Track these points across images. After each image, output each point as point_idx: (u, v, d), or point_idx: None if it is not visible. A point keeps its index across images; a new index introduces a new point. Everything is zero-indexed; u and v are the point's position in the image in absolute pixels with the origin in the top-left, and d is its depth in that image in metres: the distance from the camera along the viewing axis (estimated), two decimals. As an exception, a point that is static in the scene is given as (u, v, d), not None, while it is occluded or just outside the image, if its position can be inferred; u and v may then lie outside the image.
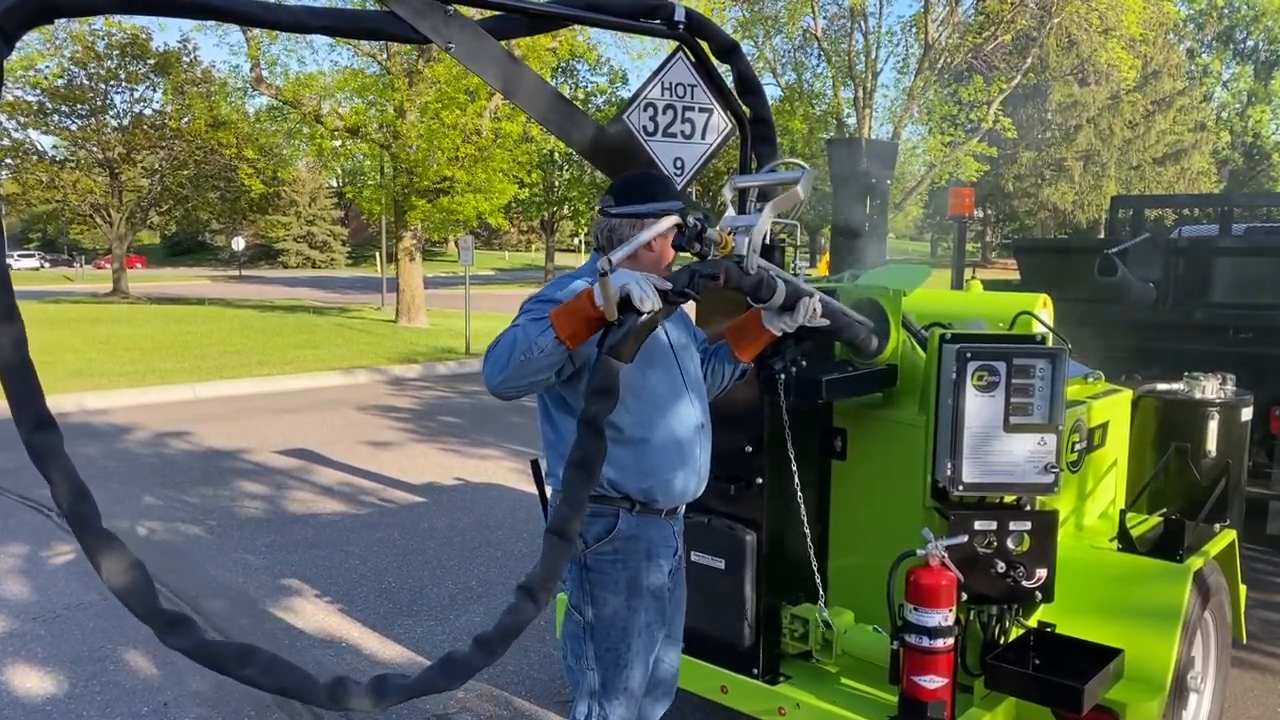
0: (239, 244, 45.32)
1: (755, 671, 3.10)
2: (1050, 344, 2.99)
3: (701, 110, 3.05)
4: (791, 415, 3.05)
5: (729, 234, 2.28)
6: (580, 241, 62.84)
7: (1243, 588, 3.86)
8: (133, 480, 7.34)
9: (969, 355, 2.86)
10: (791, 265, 3.42)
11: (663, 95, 2.98)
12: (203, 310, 24.18)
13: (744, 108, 3.13)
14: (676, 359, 2.51)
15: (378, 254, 31.45)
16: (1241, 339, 5.68)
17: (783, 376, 2.94)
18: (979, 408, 2.88)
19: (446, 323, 21.19)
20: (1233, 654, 4.35)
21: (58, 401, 10.30)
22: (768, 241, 3.23)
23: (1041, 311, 3.79)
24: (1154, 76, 32.40)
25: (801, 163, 3.33)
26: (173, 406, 10.86)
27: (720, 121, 3.11)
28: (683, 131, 3.04)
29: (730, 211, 2.50)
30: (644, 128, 2.98)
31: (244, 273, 51.03)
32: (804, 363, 3.02)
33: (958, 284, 6.02)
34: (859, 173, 4.15)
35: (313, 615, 4.74)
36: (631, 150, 3.14)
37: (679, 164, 3.07)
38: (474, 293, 18.23)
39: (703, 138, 3.08)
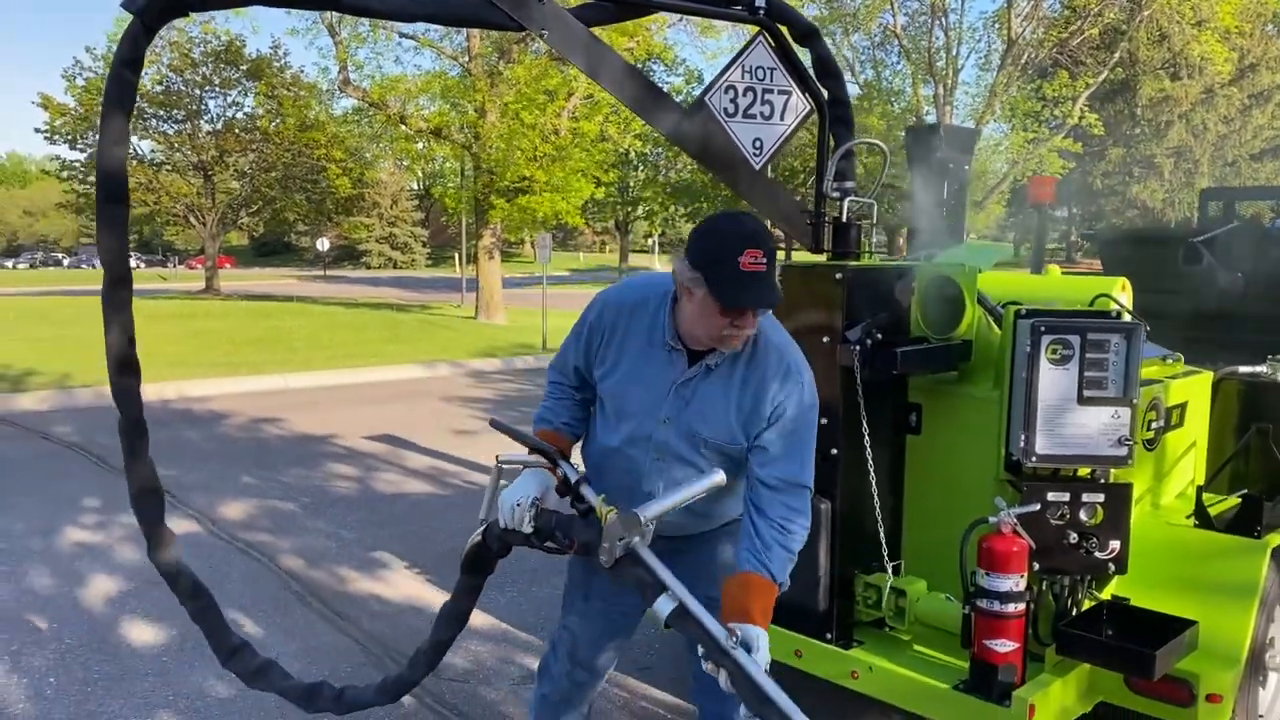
0: (323, 245, 46.69)
1: (829, 636, 3.20)
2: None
3: (780, 93, 3.16)
4: (867, 389, 3.15)
5: (609, 509, 2.18)
6: (654, 243, 63.09)
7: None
8: (230, 462, 7.72)
9: (1043, 329, 2.92)
10: (868, 245, 3.52)
11: (743, 78, 3.11)
12: (291, 307, 25.01)
13: (822, 90, 3.24)
14: (671, 393, 2.32)
15: (457, 254, 32.16)
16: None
17: (858, 348, 3.04)
18: (1053, 381, 2.94)
19: (524, 320, 21.57)
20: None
21: (159, 389, 10.86)
22: (844, 220, 3.34)
23: (1120, 294, 3.81)
24: (1251, 70, 31.26)
25: (879, 142, 3.44)
26: (265, 395, 11.33)
27: (799, 103, 3.22)
28: (762, 113, 3.15)
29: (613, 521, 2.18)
30: (725, 109, 3.11)
31: (328, 273, 52.50)
32: (880, 335, 3.12)
33: (1038, 271, 5.99)
34: (937, 159, 4.20)
35: (402, 585, 4.98)
36: (710, 135, 3.27)
37: (758, 144, 3.19)
38: (550, 292, 18.53)
39: (781, 119, 3.19)
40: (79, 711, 3.55)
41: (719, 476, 2.20)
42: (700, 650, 2.12)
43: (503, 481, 2.42)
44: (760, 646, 2.09)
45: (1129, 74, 29.31)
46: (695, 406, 2.31)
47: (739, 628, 2.08)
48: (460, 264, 29.89)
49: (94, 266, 60.86)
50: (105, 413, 9.94)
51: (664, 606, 2.11)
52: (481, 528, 2.45)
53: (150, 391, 10.63)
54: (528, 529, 2.26)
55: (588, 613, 2.64)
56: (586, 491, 2.24)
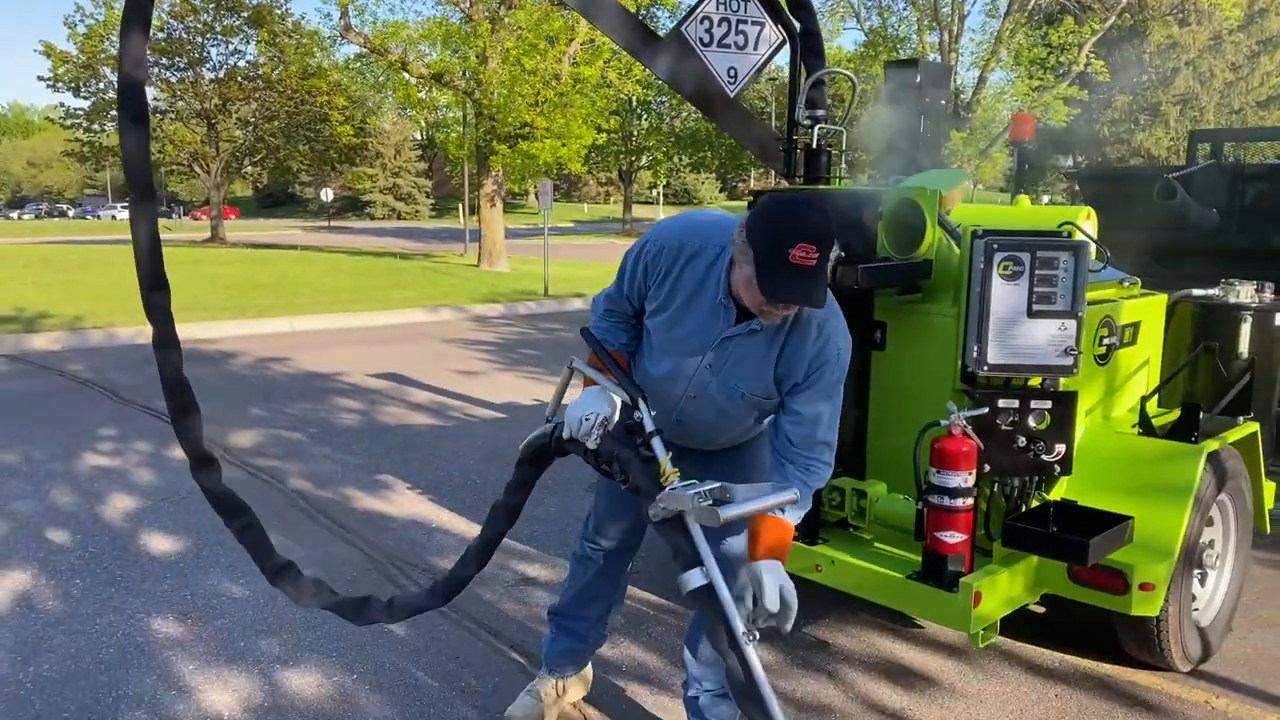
0: (327, 195, 46.64)
1: (796, 535, 3.45)
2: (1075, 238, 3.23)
3: (754, 23, 3.34)
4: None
5: (673, 469, 2.29)
6: (658, 193, 62.84)
7: (1270, 484, 4.05)
8: (239, 396, 7.99)
9: (996, 246, 3.13)
10: (837, 171, 3.71)
11: (718, 10, 3.28)
12: (296, 255, 25.18)
13: (794, 22, 3.41)
14: (716, 343, 2.43)
15: (461, 205, 32.17)
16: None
17: (823, 265, 3.25)
18: (1004, 295, 3.15)
19: (526, 268, 21.74)
20: (1278, 559, 4.56)
21: (169, 330, 11.10)
22: (814, 146, 3.54)
23: (1084, 223, 4.00)
24: (1260, 15, 30.90)
25: (847, 72, 3.61)
26: (272, 337, 11.58)
27: (772, 34, 3.40)
28: (736, 43, 3.33)
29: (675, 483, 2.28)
30: (700, 39, 3.29)
31: (332, 223, 52.52)
32: (845, 254, 3.32)
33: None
34: (912, 91, 4.37)
35: (405, 504, 5.25)
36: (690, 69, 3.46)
37: (732, 73, 3.37)
38: (553, 242, 18.69)
39: (755, 49, 3.37)
40: (104, 608, 3.83)
41: (793, 494, 2.30)
42: (706, 628, 2.26)
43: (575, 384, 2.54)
44: (768, 582, 2.23)
45: (1136, 20, 29.01)
46: (735, 362, 2.43)
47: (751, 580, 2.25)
48: (464, 215, 29.97)
49: (99, 217, 60.97)
50: (116, 352, 10.23)
51: (693, 580, 2.19)
52: (547, 425, 2.55)
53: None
54: (592, 445, 2.37)
55: (612, 489, 2.81)
56: (657, 445, 2.33)
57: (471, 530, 4.80)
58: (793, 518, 2.40)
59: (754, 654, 2.16)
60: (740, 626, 2.19)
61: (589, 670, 3.19)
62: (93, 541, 4.57)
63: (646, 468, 2.32)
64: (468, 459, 6.15)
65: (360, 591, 3.94)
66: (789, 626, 2.23)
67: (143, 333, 10.97)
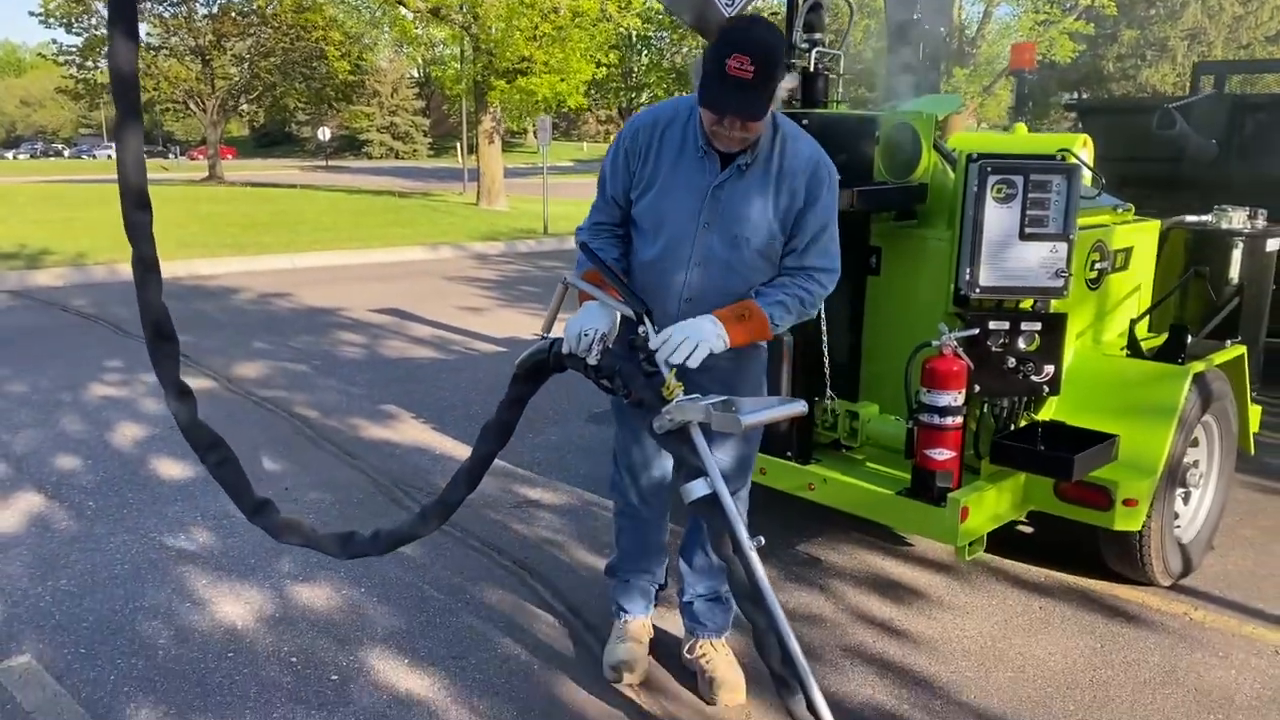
0: (324, 134, 46.15)
1: (790, 454, 3.54)
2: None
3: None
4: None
5: (678, 384, 2.32)
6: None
7: (1256, 407, 4.14)
8: (243, 330, 8.05)
9: (990, 169, 3.16)
10: (835, 95, 3.72)
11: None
12: (294, 193, 25.06)
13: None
14: (709, 196, 2.46)
15: (459, 144, 31.88)
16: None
17: (818, 188, 3.29)
18: (997, 218, 3.19)
19: (525, 206, 21.64)
20: (1262, 483, 4.67)
21: (170, 268, 11.04)
22: (812, 70, 3.55)
23: (1081, 150, 4.02)
24: (1273, -53, 30.33)
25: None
26: (273, 274, 11.60)
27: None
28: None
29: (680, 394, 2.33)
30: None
31: (330, 163, 52.04)
32: (841, 177, 3.36)
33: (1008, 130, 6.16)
34: (912, 19, 4.35)
35: (408, 431, 5.35)
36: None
37: (730, -3, 3.37)
38: (552, 181, 18.59)
39: (753, -29, 3.36)
40: (116, 528, 3.95)
41: (801, 406, 2.34)
42: (710, 537, 2.32)
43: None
44: (695, 330, 2.32)
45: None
46: (733, 208, 2.44)
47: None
48: (462, 154, 29.72)
49: (94, 156, 60.37)
50: (119, 288, 10.27)
51: (697, 489, 2.26)
52: (544, 341, 2.56)
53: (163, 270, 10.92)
54: (592, 360, 2.41)
55: (630, 440, 2.84)
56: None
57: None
58: (780, 317, 2.46)
59: (757, 560, 2.26)
60: (744, 534, 2.29)
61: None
62: (102, 466, 4.67)
63: (650, 382, 2.36)
64: (470, 390, 6.24)
65: (369, 514, 4.06)
66: (673, 360, 2.31)
67: (144, 269, 11.01)
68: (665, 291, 2.54)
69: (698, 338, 2.33)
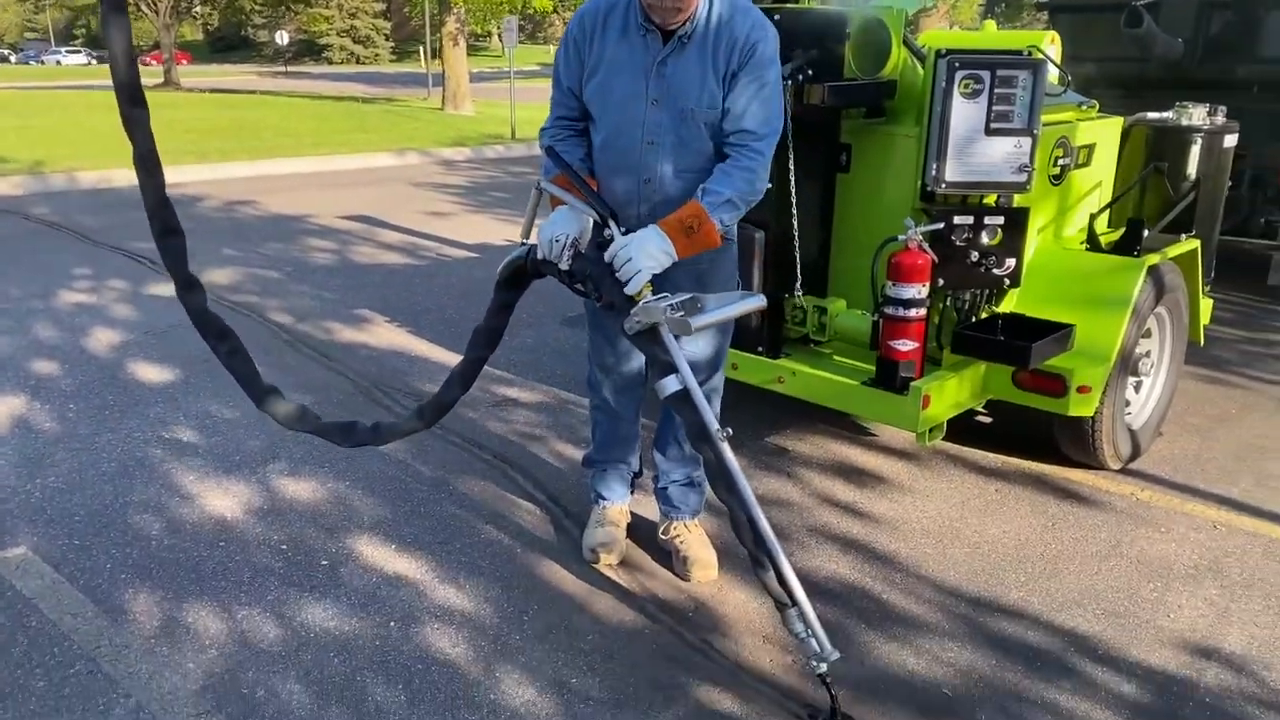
0: (283, 38, 44.65)
1: (760, 349, 3.65)
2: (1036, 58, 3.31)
3: None
4: (801, 127, 3.46)
5: (647, 284, 2.43)
6: (628, 34, 60.52)
7: (1208, 300, 4.29)
8: (210, 237, 7.98)
9: (957, 65, 3.21)
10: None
11: None
12: (254, 99, 24.40)
13: None
14: (653, 73, 2.52)
15: (422, 48, 31.02)
16: (1266, 94, 5.84)
17: (790, 83, 3.32)
18: (964, 114, 3.25)
19: (492, 111, 21.27)
20: (1211, 374, 4.86)
21: (130, 176, 10.90)
22: None
23: (1048, 46, 4.05)
24: None
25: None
26: (236, 181, 11.41)
27: None
28: None
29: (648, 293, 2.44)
30: None
31: (289, 68, 50.47)
32: (811, 72, 3.39)
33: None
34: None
35: (384, 334, 5.41)
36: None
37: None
38: (518, 86, 18.22)
39: None
40: (100, 429, 4.01)
41: (760, 301, 2.47)
42: (684, 429, 2.45)
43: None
44: (637, 244, 2.39)
45: None
46: (678, 82, 2.50)
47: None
48: (425, 57, 28.95)
49: (43, 62, 58.13)
50: (81, 196, 10.10)
51: (670, 385, 2.37)
52: (522, 248, 2.63)
53: (121, 178, 10.73)
54: (564, 266, 2.49)
55: (599, 337, 2.95)
56: None
57: (451, 359, 4.98)
58: (728, 217, 2.52)
59: (727, 448, 2.38)
60: (713, 423, 2.41)
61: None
62: (81, 371, 4.70)
63: (619, 284, 2.44)
64: (443, 295, 6.28)
65: (349, 414, 4.15)
66: (622, 276, 2.41)
67: (106, 178, 10.80)
68: (623, 173, 2.62)
69: (640, 263, 2.40)
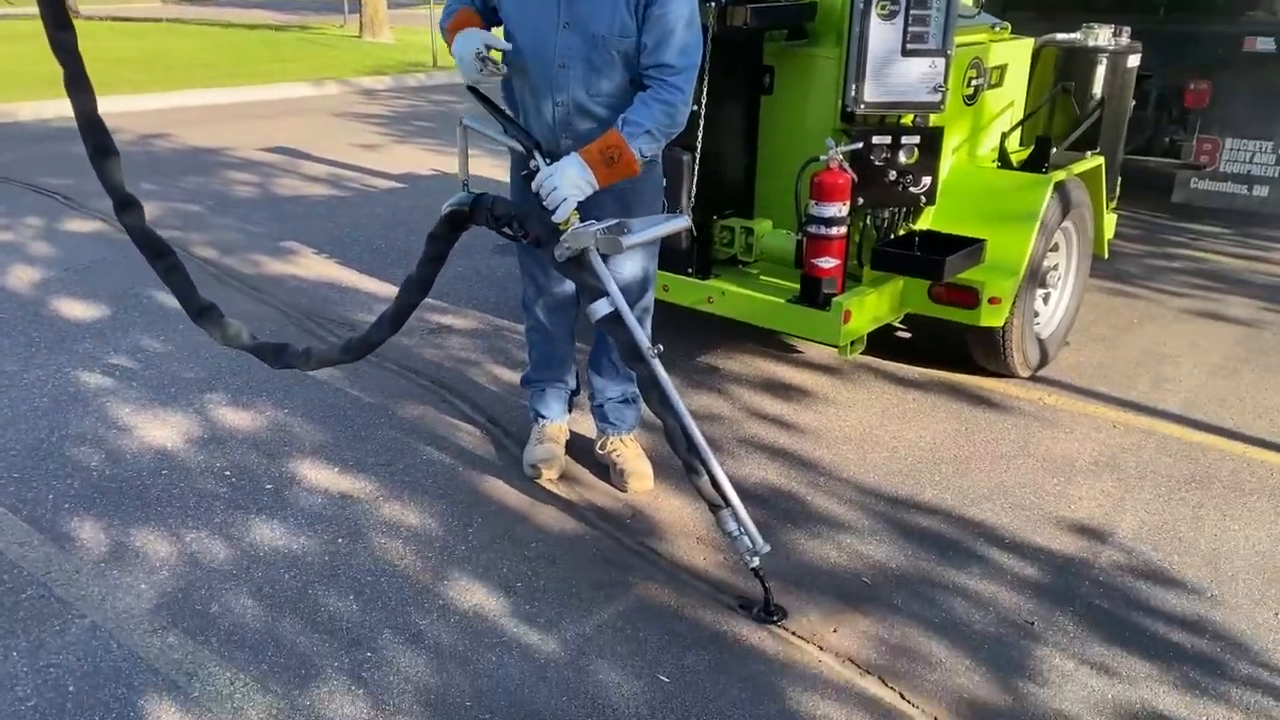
0: (186, -39, 42.51)
1: (690, 271, 3.76)
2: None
3: None
4: (723, 48, 3.52)
5: (573, 212, 2.53)
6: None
7: (1112, 215, 4.52)
8: (127, 172, 7.63)
9: (874, -14, 3.30)
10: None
11: None
12: (162, 27, 23.34)
13: None
14: None
15: (336, -31, 29.79)
16: (1172, 16, 6.04)
17: (713, 5, 3.38)
18: (881, 35, 3.35)
19: (411, 39, 20.66)
20: (1118, 287, 5.12)
21: (37, 109, 10.46)
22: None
23: (963, -31, 4.14)
24: None
25: None
26: (150, 114, 11.00)
27: None
28: None
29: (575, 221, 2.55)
30: None
31: (195, -6, 48.17)
32: (732, -4, 3.45)
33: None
34: None
35: (312, 265, 5.38)
36: None
37: None
38: (438, 11, 17.72)
39: None
40: (28, 365, 3.96)
41: (684, 221, 2.58)
42: (617, 349, 2.56)
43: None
44: (560, 173, 2.48)
45: None
46: (589, 7, 2.54)
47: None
48: (340, -19, 27.84)
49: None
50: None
51: (600, 309, 2.49)
52: (464, 194, 2.69)
53: (28, 112, 10.29)
54: (488, 72, 2.56)
55: (529, 262, 3.03)
56: None
57: (381, 289, 5.00)
58: (648, 148, 2.59)
59: (659, 364, 2.51)
60: (646, 343, 2.53)
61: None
62: (2, 308, 4.60)
63: (544, 215, 2.55)
64: (370, 226, 6.24)
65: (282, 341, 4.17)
66: (549, 205, 2.51)
67: (8, 111, 10.32)
68: (539, 96, 2.67)
69: (564, 191, 2.49)
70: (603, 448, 3.22)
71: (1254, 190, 6.52)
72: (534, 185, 2.54)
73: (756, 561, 2.51)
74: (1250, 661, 2.44)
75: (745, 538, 2.50)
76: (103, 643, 2.37)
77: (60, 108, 10.76)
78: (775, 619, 2.51)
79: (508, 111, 2.74)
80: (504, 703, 2.22)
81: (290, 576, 2.65)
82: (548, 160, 2.57)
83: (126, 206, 2.62)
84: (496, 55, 2.62)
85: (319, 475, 3.18)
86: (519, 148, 2.64)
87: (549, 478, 3.17)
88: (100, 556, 2.71)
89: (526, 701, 2.23)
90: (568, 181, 2.50)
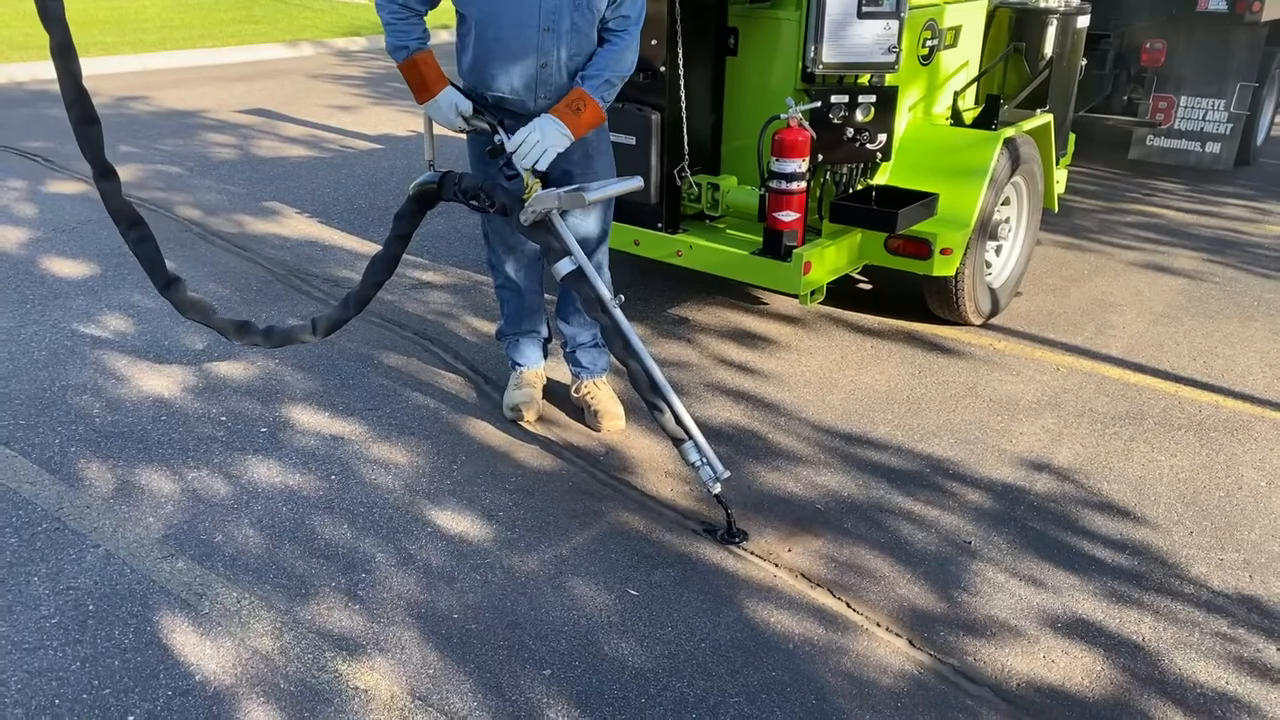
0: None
1: (660, 226, 3.95)
2: (902, -55, 3.58)
3: None
4: (691, 11, 3.70)
5: (535, 180, 2.77)
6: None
7: (1063, 171, 4.73)
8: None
9: (832, -49, 3.47)
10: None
11: None
12: (128, -11, 22.99)
13: None
14: None
15: (307, -73, 29.32)
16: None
17: (676, -31, 3.54)
18: (838, -3, 3.53)
19: (387, -1, 20.52)
20: (1071, 241, 5.35)
21: (9, 71, 10.44)
22: None
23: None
24: None
25: None
26: (123, 76, 11.00)
27: None
28: None
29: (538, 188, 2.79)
30: None
31: (162, -48, 47.32)
32: (696, -40, 3.62)
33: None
34: None
35: (296, 225, 5.53)
36: None
37: None
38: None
39: None
40: (24, 320, 4.11)
41: (637, 182, 2.84)
42: (581, 302, 2.79)
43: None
44: (541, 131, 2.71)
45: None
46: None
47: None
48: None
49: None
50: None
51: (564, 267, 2.74)
52: (432, 173, 2.94)
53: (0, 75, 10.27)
54: (469, 125, 2.83)
55: (491, 221, 3.22)
56: (519, 162, 2.75)
57: (363, 247, 5.16)
58: (609, 95, 2.86)
59: (620, 313, 2.75)
60: (608, 294, 2.77)
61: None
62: (-7, 268, 4.74)
63: (510, 186, 2.80)
64: (350, 186, 6.37)
65: (268, 301, 4.34)
66: (522, 161, 2.74)
67: (-20, 73, 10.30)
68: (520, 59, 2.81)
69: (546, 142, 2.72)
70: (577, 391, 3.43)
71: (1207, 147, 6.78)
72: (513, 145, 2.73)
73: (719, 488, 2.73)
74: (1165, 573, 2.70)
75: (707, 467, 2.73)
76: (117, 568, 2.57)
77: (33, 70, 10.75)
78: (737, 540, 2.75)
79: (457, 84, 2.92)
80: (488, 614, 2.44)
81: (288, 509, 2.85)
82: (510, 133, 2.80)
83: (105, 175, 2.73)
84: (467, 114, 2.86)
85: (310, 419, 3.37)
86: (483, 127, 2.87)
87: (528, 420, 3.38)
88: (108, 494, 2.91)
89: (509, 612, 2.45)
90: (548, 135, 2.73)
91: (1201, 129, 6.74)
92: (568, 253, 2.77)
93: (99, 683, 2.20)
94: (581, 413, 3.41)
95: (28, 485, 2.93)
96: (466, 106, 2.85)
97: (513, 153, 2.75)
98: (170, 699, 2.16)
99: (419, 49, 2.86)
